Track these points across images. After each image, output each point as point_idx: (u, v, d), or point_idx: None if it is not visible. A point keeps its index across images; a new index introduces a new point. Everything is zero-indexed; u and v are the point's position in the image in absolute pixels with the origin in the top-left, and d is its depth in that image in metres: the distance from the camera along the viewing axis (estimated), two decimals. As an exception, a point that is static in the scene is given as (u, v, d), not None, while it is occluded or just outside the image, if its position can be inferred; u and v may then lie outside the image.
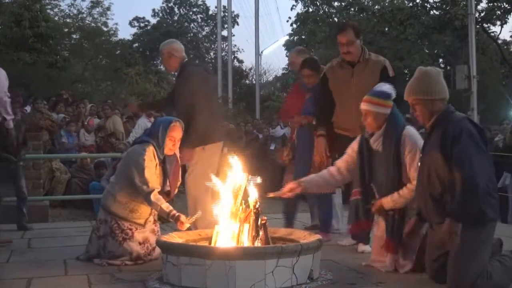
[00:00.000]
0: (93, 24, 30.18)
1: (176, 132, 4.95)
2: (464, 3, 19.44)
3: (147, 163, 4.73)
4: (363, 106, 4.37)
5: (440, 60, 28.39)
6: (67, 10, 29.66)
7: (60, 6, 28.79)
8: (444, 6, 22.77)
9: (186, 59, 5.80)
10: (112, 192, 4.92)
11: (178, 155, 5.13)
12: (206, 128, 5.44)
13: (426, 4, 23.72)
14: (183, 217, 4.61)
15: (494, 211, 3.52)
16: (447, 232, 3.47)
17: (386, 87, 4.47)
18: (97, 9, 30.36)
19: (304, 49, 6.93)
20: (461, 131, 3.53)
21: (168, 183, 5.00)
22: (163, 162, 4.97)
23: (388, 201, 4.26)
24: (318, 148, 5.41)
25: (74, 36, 29.13)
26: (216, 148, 5.72)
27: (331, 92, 5.40)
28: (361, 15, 30.13)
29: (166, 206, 4.70)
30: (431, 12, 23.69)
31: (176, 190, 5.18)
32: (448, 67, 26.29)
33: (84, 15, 30.31)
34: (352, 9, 31.10)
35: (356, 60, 5.22)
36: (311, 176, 4.78)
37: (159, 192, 4.79)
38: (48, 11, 25.47)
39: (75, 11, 29.84)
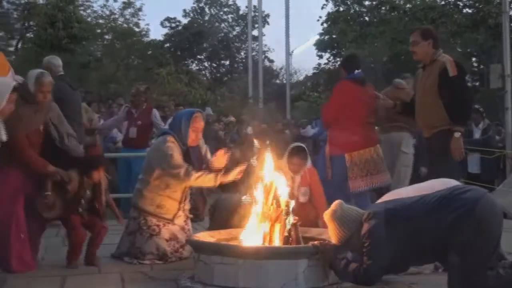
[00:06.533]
0: (125, 25, 30.45)
1: (199, 123, 5.05)
2: (498, 1, 19.10)
3: (172, 149, 4.80)
4: None
5: (473, 59, 27.92)
6: (99, 11, 30.00)
7: (92, 7, 29.12)
8: (477, 4, 22.40)
9: (61, 73, 6.68)
10: (140, 188, 5.01)
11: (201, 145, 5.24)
12: None
13: (458, 3, 23.37)
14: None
15: None
16: None
17: None
18: (129, 10, 30.67)
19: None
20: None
21: None
22: (187, 152, 5.04)
23: None
24: None
25: (106, 37, 29.44)
26: None
27: None
28: (393, 13, 29.81)
29: (210, 176, 4.75)
30: (464, 11, 23.32)
31: None
32: (481, 66, 25.85)
33: (116, 16, 30.63)
34: (383, 8, 30.78)
35: (425, 61, 5.43)
36: None
37: None
38: (81, 12, 25.76)
39: (107, 12, 30.18)
